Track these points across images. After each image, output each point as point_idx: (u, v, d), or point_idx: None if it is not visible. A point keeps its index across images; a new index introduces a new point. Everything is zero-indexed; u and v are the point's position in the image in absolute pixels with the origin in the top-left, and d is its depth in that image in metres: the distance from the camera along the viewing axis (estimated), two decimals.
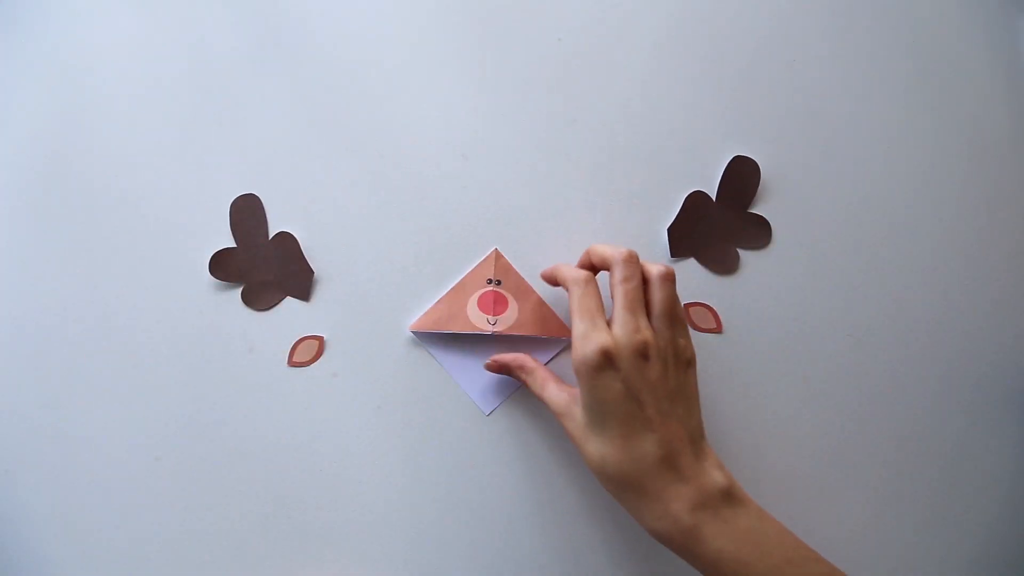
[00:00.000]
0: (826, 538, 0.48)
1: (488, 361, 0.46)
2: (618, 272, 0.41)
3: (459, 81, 0.51)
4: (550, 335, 0.48)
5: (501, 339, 0.48)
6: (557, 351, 0.48)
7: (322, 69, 0.51)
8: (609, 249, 0.42)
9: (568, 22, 0.51)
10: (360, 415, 0.48)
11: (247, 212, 0.49)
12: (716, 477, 0.38)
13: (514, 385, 0.48)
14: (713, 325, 0.49)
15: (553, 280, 0.45)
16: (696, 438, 0.40)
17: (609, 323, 0.40)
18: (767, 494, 0.48)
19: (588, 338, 0.38)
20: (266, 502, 0.47)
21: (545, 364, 0.48)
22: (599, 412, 0.38)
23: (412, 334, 0.48)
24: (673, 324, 0.41)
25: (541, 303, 0.48)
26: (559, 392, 0.42)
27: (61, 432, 0.48)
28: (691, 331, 0.49)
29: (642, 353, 0.38)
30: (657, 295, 0.41)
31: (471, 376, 0.48)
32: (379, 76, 0.50)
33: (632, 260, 0.41)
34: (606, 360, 0.38)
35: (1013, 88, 0.52)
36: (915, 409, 0.49)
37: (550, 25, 0.51)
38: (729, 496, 0.38)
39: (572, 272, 0.42)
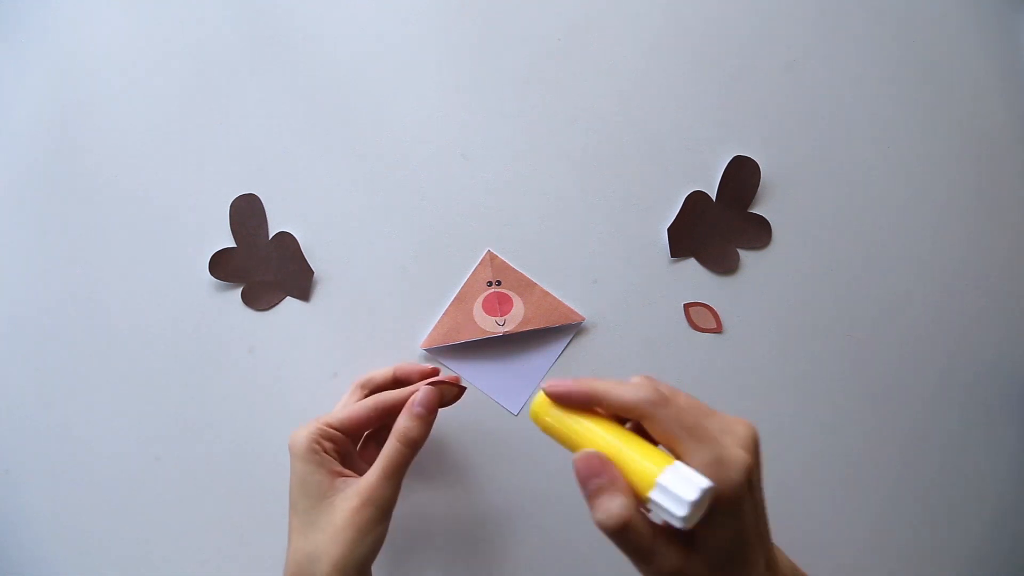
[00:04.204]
0: (825, 537, 0.48)
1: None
2: (663, 387, 0.33)
3: (459, 81, 0.51)
4: (560, 324, 0.48)
5: (513, 337, 0.48)
6: (569, 339, 0.48)
7: (322, 70, 0.51)
8: (628, 392, 0.32)
9: (568, 22, 0.51)
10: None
11: (247, 212, 0.49)
12: (784, 559, 0.35)
13: (536, 380, 0.48)
14: (713, 325, 0.49)
15: (592, 402, 0.33)
16: None
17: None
18: (766, 493, 0.48)
19: (725, 462, 0.30)
20: (266, 502, 0.47)
21: (560, 353, 0.48)
22: (728, 552, 0.30)
23: (424, 351, 0.48)
24: None
25: (545, 294, 0.49)
26: (674, 547, 0.31)
27: (61, 432, 0.48)
28: (691, 331, 0.49)
29: (758, 451, 0.32)
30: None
31: (490, 380, 0.48)
32: (379, 76, 0.50)
33: (651, 378, 0.34)
34: (749, 484, 0.30)
35: (1013, 88, 0.52)
36: (915, 409, 0.49)
37: (550, 25, 0.51)
38: (795, 572, 0.36)
39: (634, 392, 0.32)
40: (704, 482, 0.29)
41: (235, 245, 0.49)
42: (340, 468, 0.39)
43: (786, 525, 0.48)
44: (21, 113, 0.50)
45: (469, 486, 0.47)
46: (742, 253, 0.50)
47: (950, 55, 0.52)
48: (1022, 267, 0.51)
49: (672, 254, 0.50)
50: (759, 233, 0.50)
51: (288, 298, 0.49)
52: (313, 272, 0.49)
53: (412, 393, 0.40)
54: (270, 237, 0.49)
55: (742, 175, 0.50)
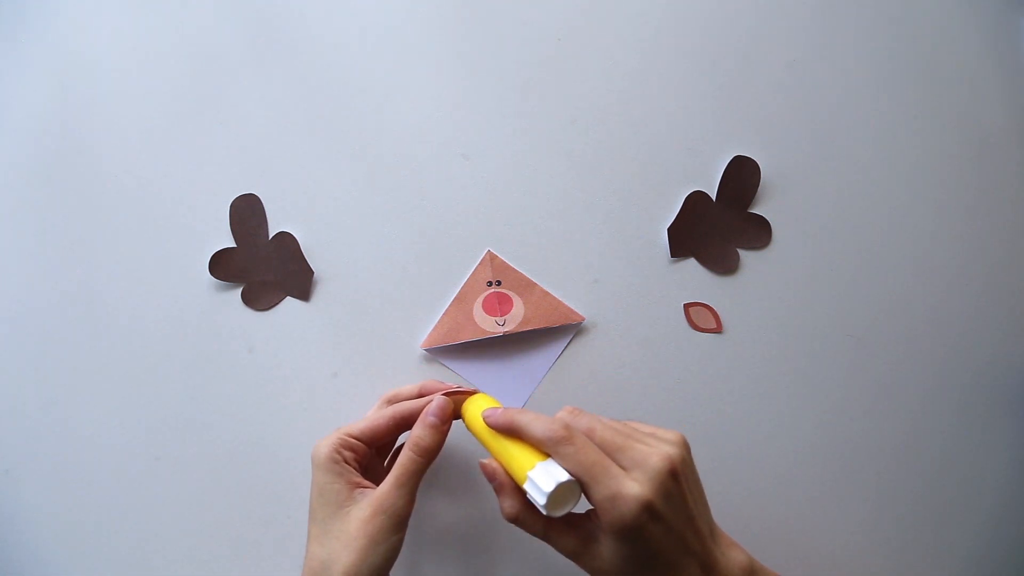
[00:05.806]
0: (825, 537, 0.48)
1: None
2: (584, 422, 0.37)
3: (459, 81, 0.51)
4: (560, 323, 0.48)
5: (513, 337, 0.48)
6: (569, 339, 0.48)
7: (323, 69, 0.51)
8: (537, 430, 0.36)
9: (568, 22, 0.51)
10: (361, 415, 0.48)
11: (247, 212, 0.49)
12: (737, 558, 0.36)
13: (536, 380, 0.48)
14: (713, 325, 0.49)
15: (513, 434, 0.37)
16: (712, 526, 0.37)
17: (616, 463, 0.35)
18: (766, 493, 0.48)
19: (619, 498, 0.33)
20: (266, 502, 0.47)
21: (560, 353, 0.48)
22: (643, 563, 0.34)
23: (424, 351, 0.48)
24: (648, 429, 0.37)
25: (545, 294, 0.49)
26: (568, 536, 0.36)
27: (61, 432, 0.48)
28: (691, 331, 0.49)
29: (675, 479, 0.34)
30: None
31: (490, 380, 0.48)
32: (379, 76, 0.50)
33: (576, 412, 0.38)
34: (648, 515, 0.33)
35: (1014, 88, 0.52)
36: (914, 409, 0.49)
37: (550, 25, 0.51)
38: (752, 571, 0.36)
39: (543, 429, 0.36)
40: (562, 476, 0.34)
41: (235, 245, 0.49)
42: (359, 479, 0.39)
43: (784, 524, 0.48)
44: (22, 113, 0.50)
45: (470, 490, 0.47)
46: (742, 253, 0.50)
47: (950, 55, 0.52)
48: (1021, 267, 0.51)
49: (672, 254, 0.50)
50: (759, 233, 0.50)
51: (288, 298, 0.49)
52: (313, 272, 0.49)
53: (428, 403, 0.41)
54: (270, 237, 0.49)
55: (742, 175, 0.50)
